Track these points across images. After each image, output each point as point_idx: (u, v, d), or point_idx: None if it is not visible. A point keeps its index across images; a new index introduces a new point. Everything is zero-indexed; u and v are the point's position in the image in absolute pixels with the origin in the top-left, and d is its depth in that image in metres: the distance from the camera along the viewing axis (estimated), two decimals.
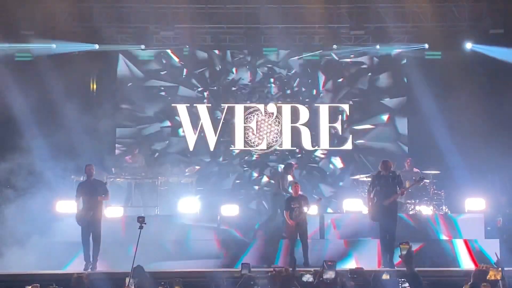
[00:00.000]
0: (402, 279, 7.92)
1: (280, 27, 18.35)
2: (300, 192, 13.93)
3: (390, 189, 12.77)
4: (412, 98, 18.59)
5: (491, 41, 17.63)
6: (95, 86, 19.22)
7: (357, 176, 17.29)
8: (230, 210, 16.01)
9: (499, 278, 6.30)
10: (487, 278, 6.22)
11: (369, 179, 16.66)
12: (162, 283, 6.40)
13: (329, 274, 6.32)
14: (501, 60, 17.35)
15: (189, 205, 15.78)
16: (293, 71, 19.46)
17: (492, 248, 13.50)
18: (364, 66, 19.43)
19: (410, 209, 16.34)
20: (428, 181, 16.42)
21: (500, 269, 6.46)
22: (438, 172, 16.60)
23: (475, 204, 15.73)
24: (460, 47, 18.10)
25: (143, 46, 18.71)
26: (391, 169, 13.07)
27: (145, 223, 9.41)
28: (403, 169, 16.90)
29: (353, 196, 16.64)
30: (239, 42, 19.06)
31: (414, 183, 14.30)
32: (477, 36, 17.85)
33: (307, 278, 6.67)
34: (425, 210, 16.08)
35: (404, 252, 6.32)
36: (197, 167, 17.93)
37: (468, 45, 18.01)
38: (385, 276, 8.01)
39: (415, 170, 16.54)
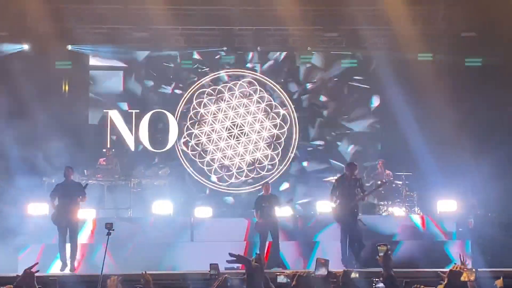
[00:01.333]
0: (376, 279, 7.94)
1: (254, 29, 18.35)
2: (270, 192, 13.97)
3: (353, 192, 12.95)
4: (385, 101, 18.70)
5: (463, 44, 17.81)
6: (67, 87, 19.03)
7: (330, 178, 17.34)
8: (204, 212, 16.03)
9: (472, 279, 6.34)
10: (461, 279, 6.24)
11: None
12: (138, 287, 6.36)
13: (322, 271, 6.30)
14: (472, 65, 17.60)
15: (162, 207, 15.72)
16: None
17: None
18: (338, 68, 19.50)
19: (383, 211, 16.44)
20: (400, 182, 16.53)
21: (474, 270, 6.50)
22: (410, 173, 16.72)
23: (447, 206, 15.91)
24: (433, 50, 18.24)
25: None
26: (355, 173, 13.13)
27: (113, 230, 9.30)
28: (376, 171, 17.02)
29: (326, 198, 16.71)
30: (213, 43, 18.99)
31: (375, 188, 14.42)
32: (449, 39, 17.99)
33: (282, 279, 6.63)
34: (398, 211, 16.19)
35: (381, 254, 6.32)
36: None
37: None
38: (354, 275, 8.03)
39: (387, 172, 16.65)
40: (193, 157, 18.87)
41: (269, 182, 14.54)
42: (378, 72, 18.92)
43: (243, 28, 18.34)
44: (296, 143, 19.23)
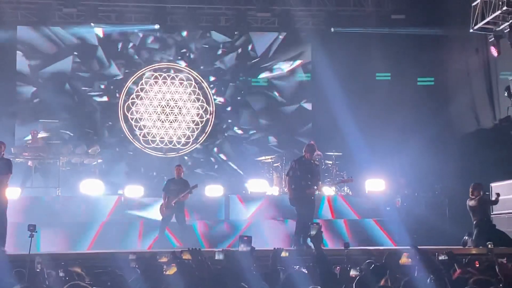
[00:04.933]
0: (308, 257, 8.04)
1: (187, 7, 18.20)
2: (182, 176, 13.90)
3: (312, 176, 12.40)
4: (316, 81, 18.84)
5: (392, 26, 18.09)
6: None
7: (262, 158, 17.43)
8: (135, 191, 15.89)
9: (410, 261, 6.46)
10: (400, 262, 6.34)
11: (272, 160, 16.89)
12: (63, 263, 6.25)
13: (244, 248, 6.33)
14: (399, 41, 17.89)
15: (92, 187, 15.52)
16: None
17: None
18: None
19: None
20: (330, 162, 16.72)
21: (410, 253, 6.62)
22: (340, 154, 16.92)
23: (375, 185, 16.21)
24: (363, 30, 18.46)
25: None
26: (314, 155, 12.93)
27: (36, 232, 9.12)
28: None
29: (257, 177, 16.82)
30: (146, 21, 18.74)
31: (341, 181, 14.29)
32: (379, 21, 18.23)
33: (219, 255, 6.66)
34: (328, 191, 16.37)
35: (313, 232, 6.38)
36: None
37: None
38: (284, 254, 8.12)
39: (318, 152, 16.78)
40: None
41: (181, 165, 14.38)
42: (309, 52, 19.05)
43: (176, 6, 18.16)
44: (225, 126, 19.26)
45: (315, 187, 12.36)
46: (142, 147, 18.83)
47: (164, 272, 5.53)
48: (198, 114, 19.15)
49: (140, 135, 18.87)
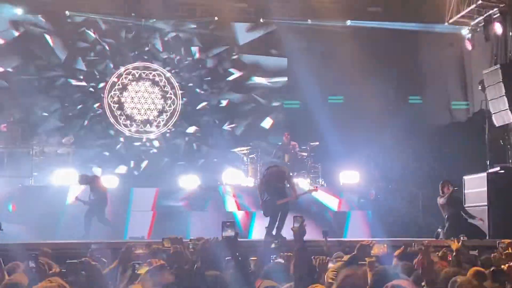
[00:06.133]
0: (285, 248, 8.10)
1: None
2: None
3: (282, 188, 12.25)
4: (291, 72, 18.83)
5: (369, 18, 18.15)
6: None
7: (236, 149, 17.41)
8: (111, 181, 15.81)
9: (385, 251, 6.52)
10: (372, 253, 6.38)
11: (247, 151, 16.88)
12: (33, 255, 6.16)
13: (229, 233, 6.35)
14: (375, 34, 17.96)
15: (65, 177, 15.39)
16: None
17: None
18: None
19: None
20: (305, 154, 16.74)
21: (385, 245, 6.68)
22: (317, 143, 16.92)
23: (350, 177, 16.28)
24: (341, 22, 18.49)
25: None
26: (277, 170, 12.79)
27: (1, 229, 9.04)
28: (282, 143, 17.17)
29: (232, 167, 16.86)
30: (120, 10, 18.56)
31: (305, 192, 14.14)
32: (355, 13, 18.26)
33: (193, 245, 6.67)
34: (302, 183, 16.40)
35: (297, 225, 6.40)
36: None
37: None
38: (274, 245, 8.23)
39: (293, 143, 16.81)
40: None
41: None
42: (284, 42, 19.03)
43: None
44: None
45: (287, 198, 12.10)
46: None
47: (136, 271, 5.49)
48: (169, 103, 19.06)
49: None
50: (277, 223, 12.02)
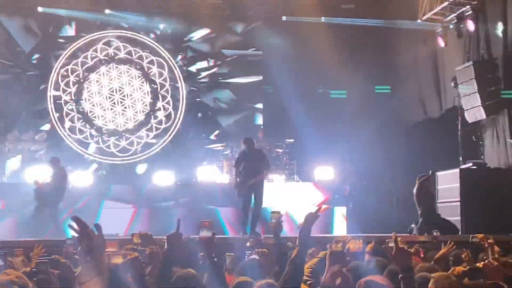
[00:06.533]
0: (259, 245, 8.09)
1: None
2: None
3: (257, 167, 12.45)
4: (266, 68, 18.83)
5: (342, 15, 18.20)
6: None
7: (213, 146, 17.40)
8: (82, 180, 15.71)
9: (361, 247, 6.55)
10: (349, 248, 6.41)
11: (222, 148, 16.89)
12: (1, 253, 6.08)
13: (205, 233, 6.33)
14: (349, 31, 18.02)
15: (37, 174, 15.24)
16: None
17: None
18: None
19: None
20: (281, 150, 16.79)
21: (360, 241, 6.72)
22: (292, 140, 16.97)
23: (324, 173, 16.34)
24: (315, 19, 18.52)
25: None
26: (255, 147, 12.81)
27: None
28: (257, 140, 17.18)
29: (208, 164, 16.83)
30: (92, 6, 18.39)
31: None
32: (329, 10, 18.29)
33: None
34: (278, 179, 16.44)
35: (274, 221, 6.42)
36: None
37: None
38: (250, 243, 8.23)
39: (260, 137, 16.84)
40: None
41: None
42: (260, 39, 19.05)
43: None
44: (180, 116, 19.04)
45: (258, 176, 12.34)
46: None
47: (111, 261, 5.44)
48: (148, 99, 18.90)
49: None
50: (251, 214, 12.23)
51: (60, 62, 18.10)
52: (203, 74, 19.21)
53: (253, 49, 19.28)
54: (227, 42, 19.36)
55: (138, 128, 18.43)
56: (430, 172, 13.17)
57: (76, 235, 3.39)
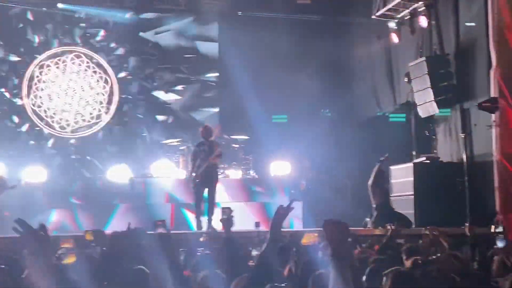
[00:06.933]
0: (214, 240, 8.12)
1: None
2: None
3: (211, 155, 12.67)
4: (223, 63, 18.77)
5: (298, 11, 18.26)
6: None
7: (169, 141, 17.31)
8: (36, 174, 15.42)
9: (316, 240, 6.62)
10: (302, 243, 6.48)
11: (179, 143, 16.82)
12: None
13: (161, 231, 6.36)
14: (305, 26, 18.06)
15: None
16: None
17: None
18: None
19: (220, 173, 16.63)
20: (237, 146, 16.79)
21: (316, 234, 6.80)
22: (247, 137, 17.00)
23: (281, 168, 16.37)
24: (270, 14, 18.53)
25: None
26: (211, 136, 12.98)
27: None
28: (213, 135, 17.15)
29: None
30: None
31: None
32: (285, 6, 18.31)
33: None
34: (234, 174, 16.44)
35: (225, 217, 6.46)
36: None
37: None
38: (203, 238, 8.25)
39: (225, 136, 16.83)
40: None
41: None
42: (215, 34, 18.98)
43: None
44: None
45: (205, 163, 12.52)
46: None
47: (61, 261, 5.40)
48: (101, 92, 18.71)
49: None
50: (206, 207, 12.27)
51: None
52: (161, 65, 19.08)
53: (206, 44, 19.22)
54: (181, 35, 19.23)
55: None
56: (387, 154, 13.40)
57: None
